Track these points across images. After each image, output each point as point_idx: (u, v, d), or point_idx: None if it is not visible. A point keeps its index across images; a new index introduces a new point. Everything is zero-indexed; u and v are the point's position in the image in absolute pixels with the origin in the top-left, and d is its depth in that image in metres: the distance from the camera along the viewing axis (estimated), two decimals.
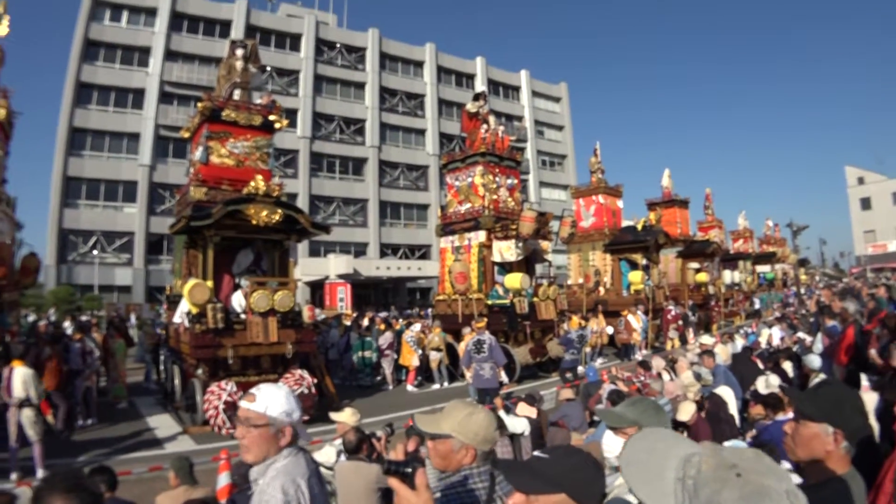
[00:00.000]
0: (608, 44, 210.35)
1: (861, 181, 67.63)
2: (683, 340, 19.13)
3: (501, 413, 7.35)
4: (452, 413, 2.19)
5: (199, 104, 12.63)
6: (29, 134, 59.54)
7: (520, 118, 59.23)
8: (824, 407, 2.18)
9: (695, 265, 27.23)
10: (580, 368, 14.46)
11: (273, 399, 2.19)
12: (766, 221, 49.40)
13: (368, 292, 43.98)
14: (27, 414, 8.45)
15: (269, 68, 43.16)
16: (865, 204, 66.76)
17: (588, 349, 16.62)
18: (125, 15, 42.59)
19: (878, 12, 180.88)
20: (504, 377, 12.73)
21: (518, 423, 6.91)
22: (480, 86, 54.12)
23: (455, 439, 2.12)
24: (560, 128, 63.36)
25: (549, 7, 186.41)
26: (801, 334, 14.43)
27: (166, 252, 39.51)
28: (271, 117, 13.02)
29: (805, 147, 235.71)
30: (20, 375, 8.51)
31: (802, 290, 37.97)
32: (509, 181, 17.66)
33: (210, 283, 11.11)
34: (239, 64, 13.50)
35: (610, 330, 18.78)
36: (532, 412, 7.34)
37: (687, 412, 6.32)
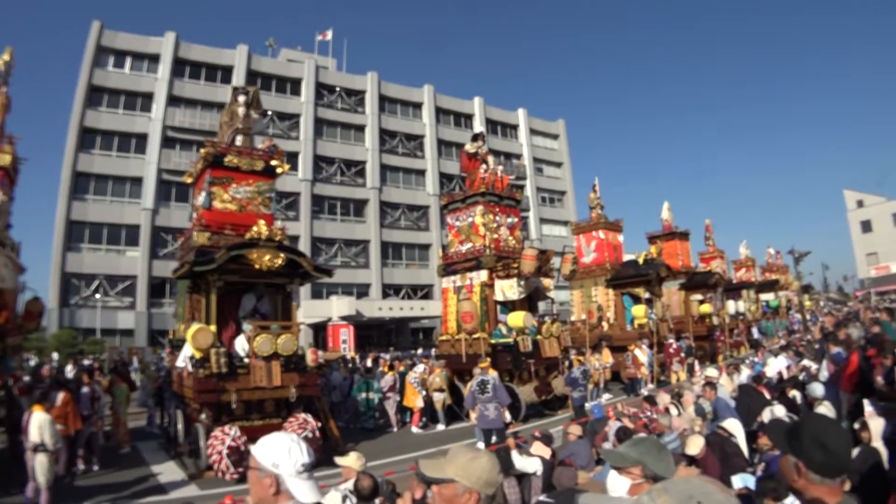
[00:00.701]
0: (604, 80, 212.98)
1: (860, 204, 67.89)
2: (691, 372, 19.05)
3: (514, 453, 7.32)
4: (456, 457, 2.18)
5: (202, 150, 12.82)
6: (32, 178, 60.16)
7: (518, 156, 59.76)
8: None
9: (698, 297, 27.21)
10: (587, 405, 14.36)
11: (266, 445, 2.19)
12: (768, 249, 49.52)
13: (371, 333, 43.89)
14: (40, 459, 8.54)
15: (270, 112, 43.78)
16: (866, 227, 66.86)
17: (591, 385, 16.51)
18: (128, 61, 43.41)
19: (871, 32, 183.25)
20: (508, 417, 12.65)
21: (531, 463, 6.88)
22: (479, 125, 54.82)
23: (458, 483, 2.11)
24: (559, 164, 63.82)
25: (544, 45, 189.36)
26: (806, 362, 14.35)
27: (169, 295, 39.57)
28: (273, 162, 13.19)
29: (802, 172, 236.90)
30: (36, 420, 8.61)
31: (807, 317, 37.82)
32: (510, 220, 17.76)
33: (213, 328, 11.14)
34: (241, 110, 13.73)
35: (604, 364, 18.59)
36: (547, 452, 7.30)
37: (696, 446, 6.30)
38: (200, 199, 12.80)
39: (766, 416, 7.48)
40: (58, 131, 63.12)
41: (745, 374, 13.53)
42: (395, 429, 15.52)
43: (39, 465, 8.53)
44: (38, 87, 76.99)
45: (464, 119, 58.42)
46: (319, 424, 11.56)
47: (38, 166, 60.60)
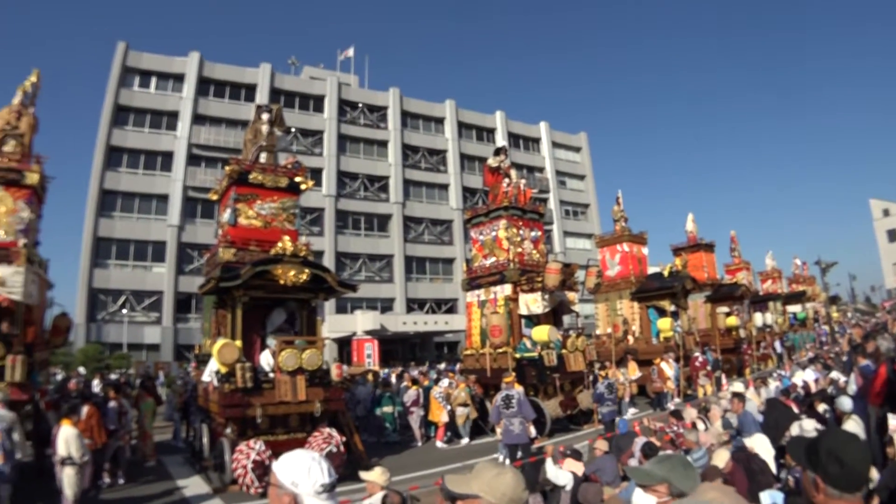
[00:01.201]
0: (625, 92, 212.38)
1: (886, 213, 67.02)
2: (719, 386, 18.80)
3: (549, 462, 7.29)
4: (481, 473, 2.18)
5: (227, 168, 12.98)
6: (60, 196, 61.24)
7: (541, 169, 59.69)
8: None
9: (724, 309, 26.90)
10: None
11: (287, 462, 2.18)
12: (794, 260, 48.88)
13: (395, 348, 43.91)
14: (67, 472, 8.68)
15: (293, 130, 44.23)
16: (892, 236, 65.99)
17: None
18: (154, 81, 44.20)
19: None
20: (534, 432, 12.56)
21: (563, 476, 6.85)
22: (501, 140, 54.83)
23: (482, 500, 2.12)
24: (581, 177, 63.64)
25: (565, 58, 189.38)
26: (835, 374, 14.08)
27: (194, 311, 39.99)
28: (297, 179, 13.33)
29: (828, 182, 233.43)
30: (63, 434, 8.75)
31: (835, 328, 37.20)
32: (533, 233, 17.73)
33: (239, 343, 11.21)
34: (265, 128, 13.89)
35: (629, 378, 18.38)
36: (579, 468, 7.26)
37: (722, 459, 6.22)
38: (226, 215, 12.94)
39: (794, 430, 7.35)
40: (85, 150, 64.53)
41: (772, 388, 13.31)
42: (420, 443, 15.47)
43: (67, 478, 8.68)
44: (66, 107, 78.72)
45: (486, 133, 58.54)
46: (344, 439, 11.56)
47: (66, 184, 61.91)
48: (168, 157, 42.87)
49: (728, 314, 26.57)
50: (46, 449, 11.00)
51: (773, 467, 6.99)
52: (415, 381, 17.61)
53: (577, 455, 7.65)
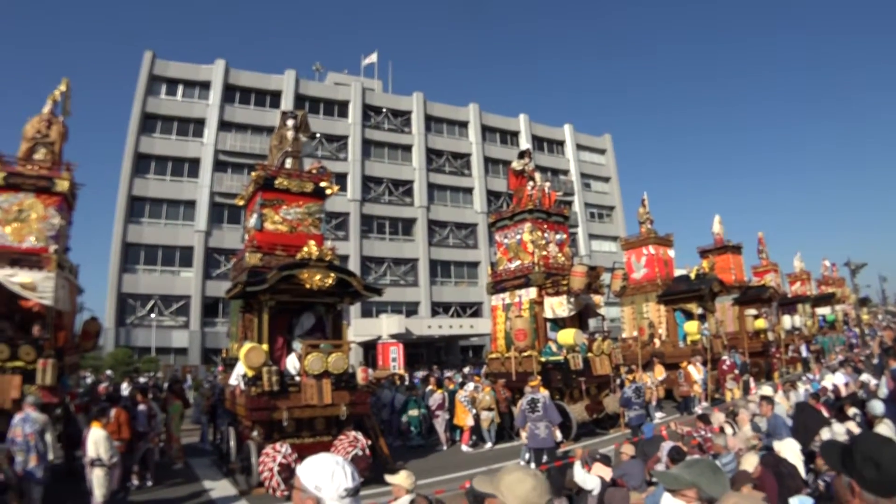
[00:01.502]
0: (649, 92, 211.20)
1: None
2: (746, 390, 18.53)
3: (577, 465, 7.25)
4: (505, 474, 2.21)
5: (253, 173, 13.10)
6: (90, 203, 62.32)
7: (565, 172, 59.45)
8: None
9: (752, 312, 26.52)
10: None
11: (310, 466, 2.18)
12: (823, 262, 48.15)
13: (421, 351, 43.96)
14: (97, 473, 8.95)
15: (318, 135, 44.59)
16: None
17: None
18: (180, 89, 44.87)
19: None
20: (559, 436, 12.48)
21: (591, 480, 6.82)
22: (525, 143, 54.72)
23: (498, 500, 2.15)
24: (606, 179, 63.27)
25: (588, 61, 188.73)
26: (865, 377, 13.81)
27: (221, 315, 40.38)
28: (322, 184, 13.40)
29: (856, 183, 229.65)
30: (93, 436, 9.02)
31: (865, 331, 36.51)
32: (558, 236, 17.65)
33: (265, 347, 11.29)
34: (290, 133, 14.00)
35: (655, 381, 18.20)
36: (607, 473, 7.21)
37: (750, 464, 6.13)
38: (252, 220, 13.05)
39: (825, 434, 7.22)
40: (114, 157, 65.52)
41: (801, 391, 13.09)
42: (445, 447, 15.45)
43: (96, 479, 8.93)
44: (95, 114, 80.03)
45: (510, 136, 58.48)
46: (370, 442, 11.60)
47: (96, 191, 62.84)
48: (195, 163, 43.43)
49: (756, 317, 26.19)
50: (76, 451, 11.21)
51: (802, 472, 6.89)
52: (440, 385, 17.61)
53: (605, 460, 7.60)
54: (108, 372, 29.06)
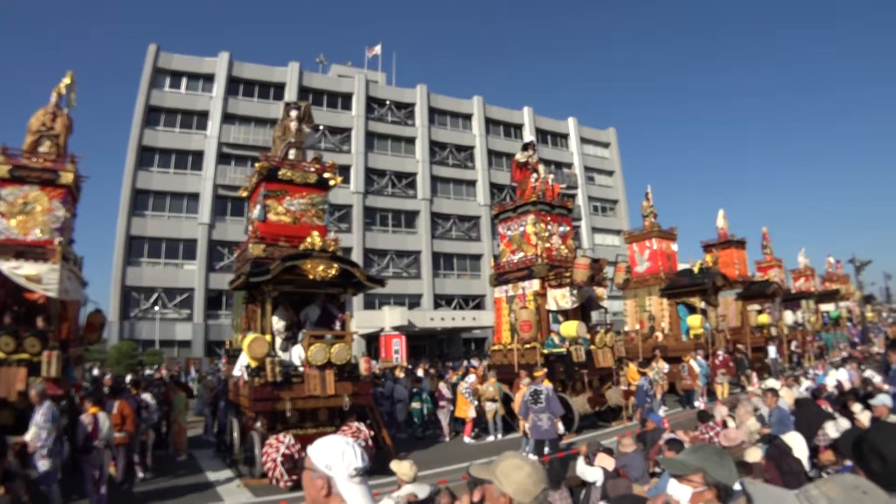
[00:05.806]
0: (654, 86, 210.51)
1: None
2: (736, 384, 18.52)
3: (580, 460, 7.27)
4: (503, 461, 2.25)
5: (257, 164, 13.13)
6: (94, 195, 62.47)
7: (569, 165, 59.41)
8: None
9: (755, 307, 26.48)
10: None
11: (321, 446, 2.19)
12: (828, 258, 48.11)
13: (423, 343, 44.08)
14: (108, 455, 9.34)
15: (322, 127, 44.45)
16: None
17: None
18: (184, 81, 44.92)
19: None
20: (562, 428, 12.49)
21: (592, 472, 6.84)
22: (528, 135, 54.61)
23: (494, 486, 2.20)
24: (610, 173, 63.23)
25: (593, 54, 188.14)
26: (868, 373, 13.81)
27: (225, 307, 40.55)
28: (326, 175, 13.40)
29: (862, 180, 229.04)
30: (102, 417, 9.34)
31: (869, 328, 36.45)
32: (561, 229, 17.64)
33: (269, 338, 11.33)
34: (293, 125, 14.01)
35: (661, 372, 18.18)
36: (610, 464, 7.25)
37: (754, 457, 6.14)
38: (256, 211, 13.07)
39: (829, 429, 7.22)
40: (118, 149, 65.57)
41: (804, 386, 13.10)
42: (448, 439, 15.49)
43: (107, 460, 9.31)
44: (99, 107, 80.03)
45: (513, 129, 58.44)
46: (372, 433, 11.64)
47: (100, 183, 62.91)
48: (198, 156, 43.53)
49: (759, 312, 26.15)
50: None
51: (806, 466, 6.89)
52: (441, 377, 17.66)
53: (609, 451, 7.64)
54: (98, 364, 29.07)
